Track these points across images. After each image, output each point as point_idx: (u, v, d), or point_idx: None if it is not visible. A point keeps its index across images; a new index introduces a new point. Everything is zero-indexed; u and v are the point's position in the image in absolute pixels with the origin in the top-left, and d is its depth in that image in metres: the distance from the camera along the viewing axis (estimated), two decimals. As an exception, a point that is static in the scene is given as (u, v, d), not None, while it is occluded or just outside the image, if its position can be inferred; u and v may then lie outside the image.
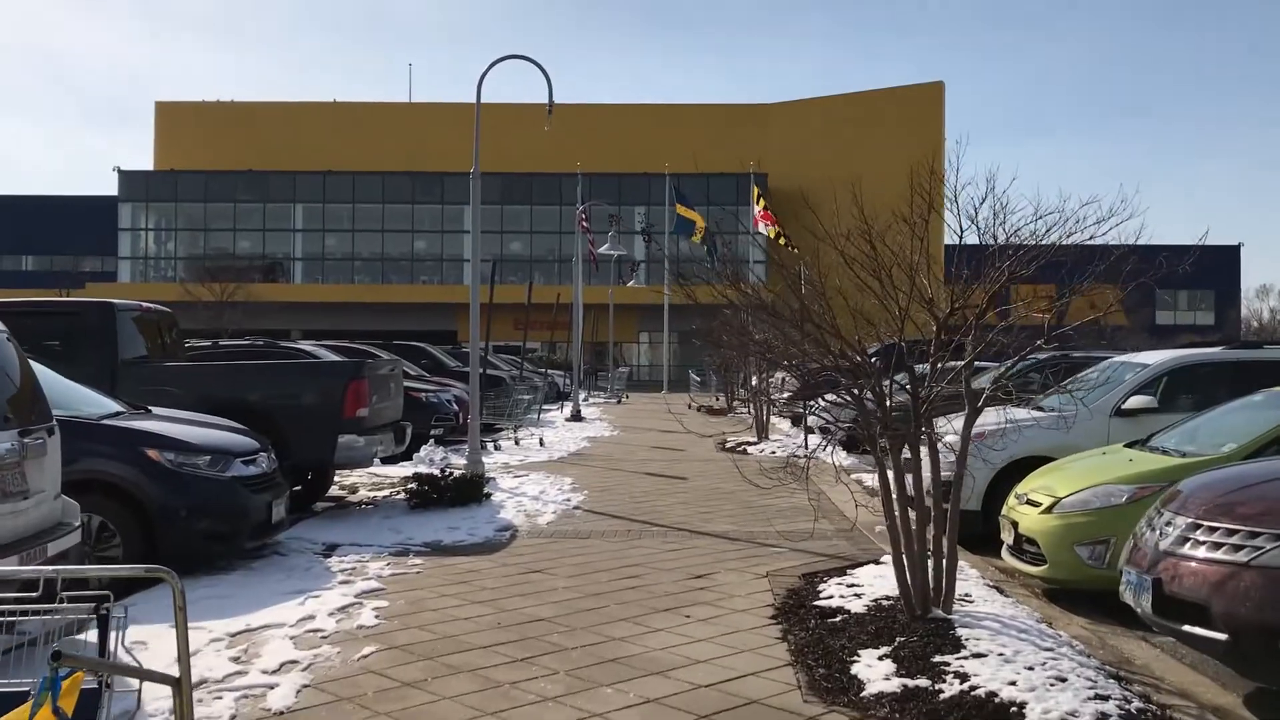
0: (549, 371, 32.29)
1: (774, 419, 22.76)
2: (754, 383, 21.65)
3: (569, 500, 12.02)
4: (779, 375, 21.51)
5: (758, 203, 38.69)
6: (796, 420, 20.12)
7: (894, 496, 6.55)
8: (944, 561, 6.53)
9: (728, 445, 18.90)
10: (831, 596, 7.21)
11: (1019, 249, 6.30)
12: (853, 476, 14.50)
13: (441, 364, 24.11)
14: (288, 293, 65.91)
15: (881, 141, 54.65)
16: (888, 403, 6.51)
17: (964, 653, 5.66)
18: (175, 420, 8.92)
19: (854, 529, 10.21)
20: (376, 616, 6.81)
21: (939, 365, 6.56)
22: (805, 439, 16.36)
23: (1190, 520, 5.49)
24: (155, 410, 9.39)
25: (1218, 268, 68.47)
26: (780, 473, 7.14)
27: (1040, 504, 8.12)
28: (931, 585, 6.53)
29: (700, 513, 11.32)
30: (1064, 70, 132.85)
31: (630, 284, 46.17)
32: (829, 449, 8.07)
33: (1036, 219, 6.08)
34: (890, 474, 6.69)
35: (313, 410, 10.71)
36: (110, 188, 69.67)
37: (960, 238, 6.49)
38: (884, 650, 5.81)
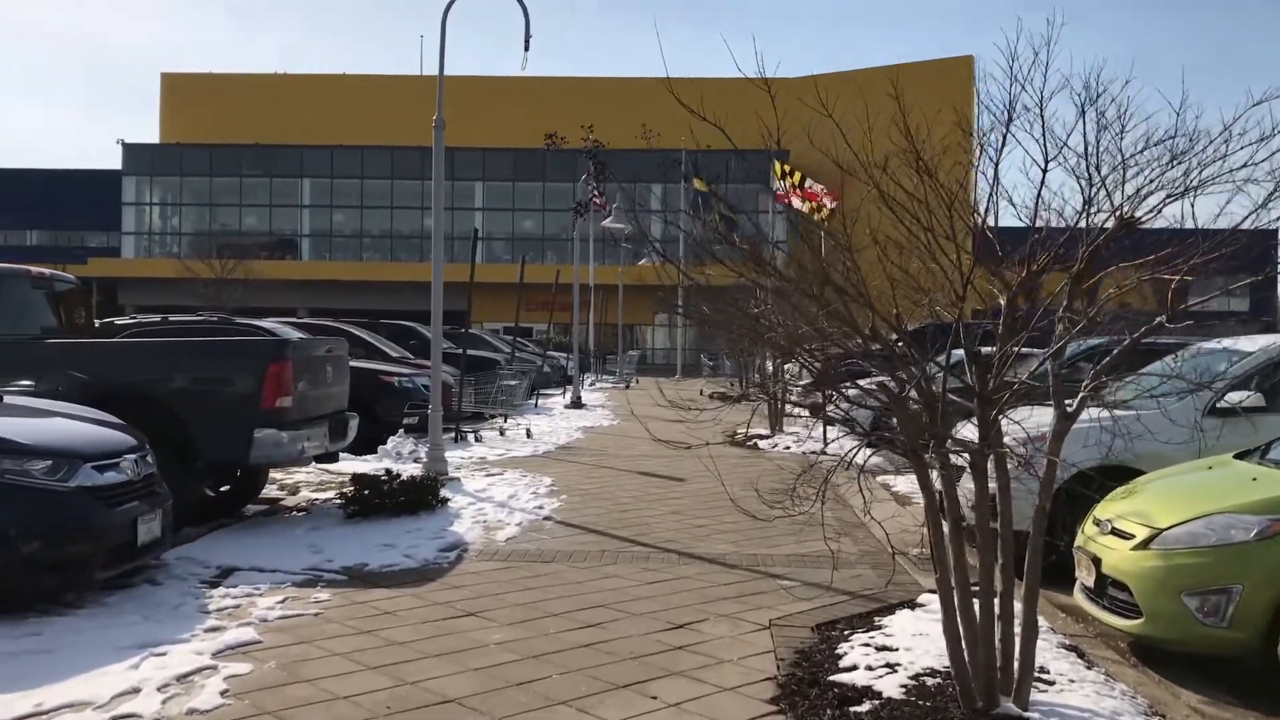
0: (551, 354, 30.35)
1: (790, 408, 20.76)
2: (767, 369, 19.66)
3: (541, 508, 10.11)
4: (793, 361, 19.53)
5: (783, 179, 36.51)
6: (816, 410, 18.13)
7: (946, 537, 4.61)
8: (1016, 630, 4.60)
9: (737, 438, 16.96)
10: (855, 666, 5.28)
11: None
12: (878, 480, 12.58)
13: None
14: (294, 270, 64.17)
15: (910, 117, 52.27)
16: (939, 403, 4.57)
17: (1059, 790, 3.73)
18: (22, 412, 7.06)
19: (881, 552, 8.28)
20: (224, 692, 4.92)
21: (1009, 352, 4.59)
22: (824, 435, 14.40)
23: None
24: (10, 399, 7.55)
25: (1252, 251, 65.95)
26: (787, 495, 5.18)
27: (1132, 536, 6.14)
28: (999, 660, 4.60)
29: (694, 526, 9.40)
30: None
31: (642, 263, 44.12)
32: (854, 454, 6.10)
33: (1171, 137, 4.07)
34: (942, 501, 4.74)
35: (222, 399, 8.79)
36: (117, 163, 68.11)
37: (1045, 169, 4.51)
38: (935, 778, 3.89)
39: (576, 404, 24.56)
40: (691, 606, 6.57)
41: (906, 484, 12.00)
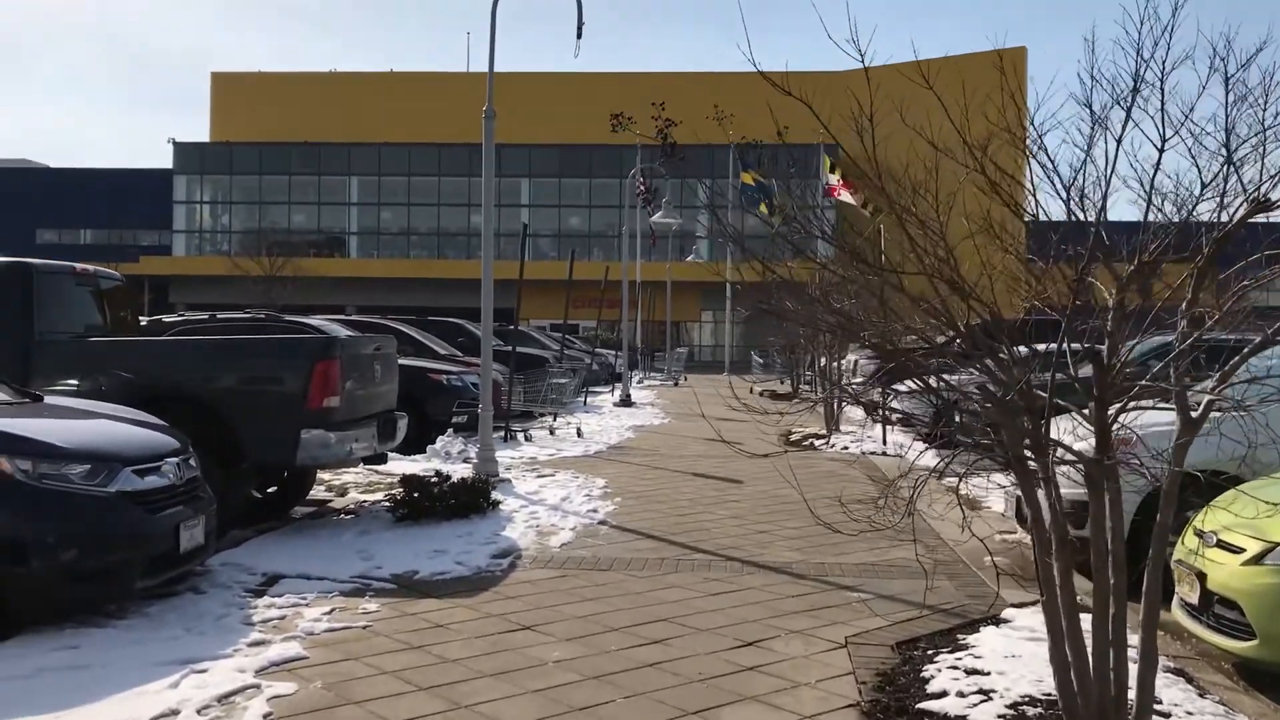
0: (599, 351, 30.04)
1: (845, 407, 20.24)
2: (822, 366, 19.16)
3: (595, 511, 9.75)
4: (851, 358, 18.94)
5: (831, 173, 35.91)
6: (872, 408, 17.59)
7: (1054, 559, 4.16)
8: (1132, 658, 4.14)
9: (793, 438, 16.51)
10: (945, 692, 4.85)
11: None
12: (943, 482, 12.07)
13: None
14: (342, 268, 64.53)
15: (960, 109, 51.35)
16: (1045, 405, 4.13)
17: None
18: (61, 413, 6.81)
19: (957, 562, 7.84)
20: (267, 715, 4.60)
21: (1120, 351, 4.13)
22: (884, 435, 13.92)
23: None
24: (51, 400, 7.31)
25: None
26: (871, 507, 4.78)
27: (1242, 550, 5.65)
28: (1113, 690, 4.15)
29: (756, 532, 8.98)
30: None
31: (690, 259, 43.74)
32: (949, 463, 5.64)
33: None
34: (1046, 516, 4.30)
35: (268, 399, 8.51)
36: (168, 162, 68.82)
37: (1161, 149, 4.05)
38: (1053, 830, 3.46)
39: (625, 402, 24.21)
40: (760, 621, 6.17)
41: (972, 488, 11.50)
